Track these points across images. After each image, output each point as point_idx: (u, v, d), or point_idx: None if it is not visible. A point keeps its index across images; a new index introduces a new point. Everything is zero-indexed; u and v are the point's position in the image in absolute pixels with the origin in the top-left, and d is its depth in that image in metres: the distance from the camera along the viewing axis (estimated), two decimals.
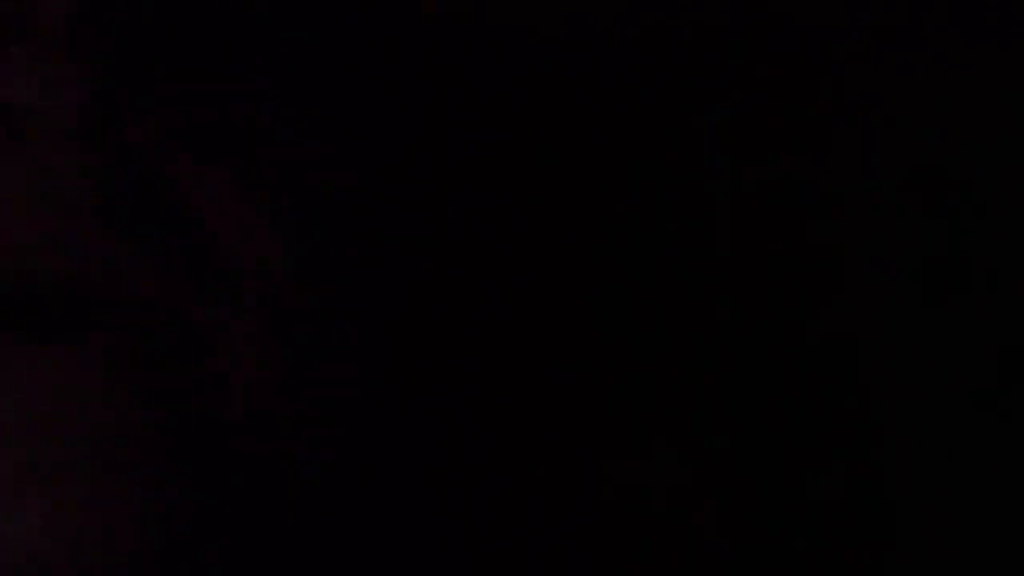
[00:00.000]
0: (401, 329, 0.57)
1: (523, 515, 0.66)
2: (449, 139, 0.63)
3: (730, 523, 0.70)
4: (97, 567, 0.46)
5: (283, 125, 0.50)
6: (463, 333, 0.63)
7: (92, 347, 0.46)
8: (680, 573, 0.70)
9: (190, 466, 0.48)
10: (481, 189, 0.64)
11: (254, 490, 0.49)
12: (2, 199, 0.46)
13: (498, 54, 0.66)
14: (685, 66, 0.71)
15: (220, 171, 0.48)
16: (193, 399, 0.47)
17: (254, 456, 0.49)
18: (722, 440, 0.70)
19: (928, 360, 0.70)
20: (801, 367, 0.71)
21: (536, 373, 0.67)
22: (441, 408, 0.60)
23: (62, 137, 0.46)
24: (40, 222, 0.46)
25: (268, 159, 0.50)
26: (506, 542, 0.65)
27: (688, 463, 0.70)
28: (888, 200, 0.70)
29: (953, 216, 0.70)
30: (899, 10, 0.70)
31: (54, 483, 0.46)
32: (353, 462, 0.53)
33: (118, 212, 0.46)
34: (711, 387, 0.71)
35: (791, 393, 0.71)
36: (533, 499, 0.66)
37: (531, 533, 0.66)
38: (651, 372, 0.70)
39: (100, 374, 0.46)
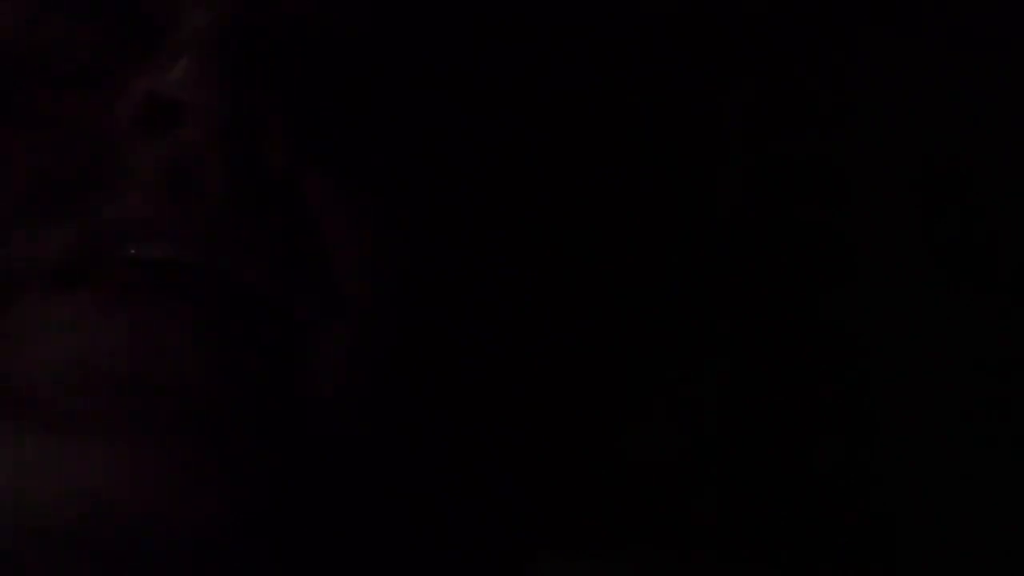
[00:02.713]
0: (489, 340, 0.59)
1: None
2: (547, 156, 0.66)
3: (730, 508, 0.71)
4: (165, 522, 0.48)
5: (397, 137, 0.54)
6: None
7: (187, 315, 0.49)
8: (677, 547, 0.70)
9: (264, 439, 0.50)
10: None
11: (325, 470, 0.51)
12: (138, 177, 0.50)
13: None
14: (697, 56, 0.72)
15: (338, 180, 0.52)
16: (277, 379, 0.50)
17: (329, 439, 0.51)
18: (725, 424, 0.71)
19: (934, 348, 0.70)
20: (806, 353, 0.71)
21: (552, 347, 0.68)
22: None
23: (202, 131, 0.49)
24: (166, 200, 0.50)
25: (380, 170, 0.53)
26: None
27: (690, 444, 0.71)
28: (897, 190, 0.71)
29: (963, 206, 0.71)
30: (910, 2, 0.71)
31: (134, 432, 0.48)
32: (420, 457, 0.55)
33: (242, 204, 0.50)
34: (716, 370, 0.71)
35: (796, 378, 0.71)
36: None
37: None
38: (659, 354, 0.71)
39: (191, 337, 0.49)
